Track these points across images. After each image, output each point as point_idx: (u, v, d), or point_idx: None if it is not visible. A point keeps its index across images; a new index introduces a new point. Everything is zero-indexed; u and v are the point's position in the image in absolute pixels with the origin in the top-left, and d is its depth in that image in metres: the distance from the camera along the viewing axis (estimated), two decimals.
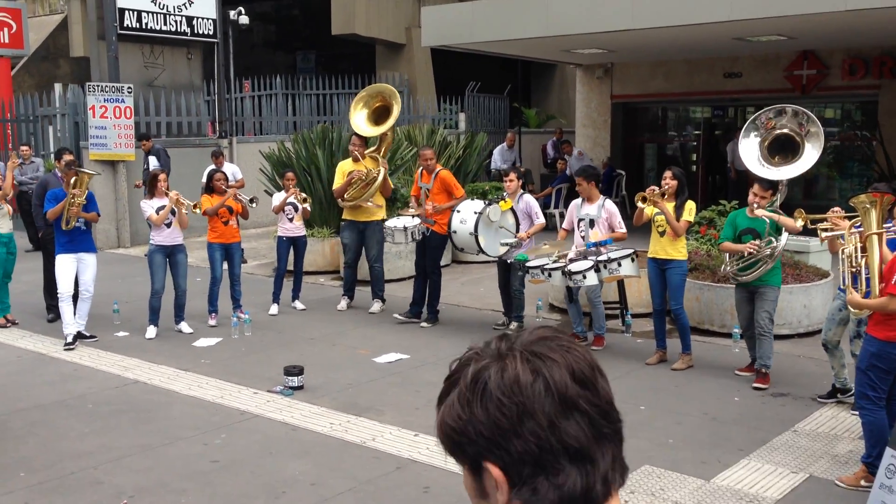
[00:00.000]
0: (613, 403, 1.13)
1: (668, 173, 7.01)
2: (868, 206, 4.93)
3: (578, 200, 7.68)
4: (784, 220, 6.33)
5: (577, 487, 1.07)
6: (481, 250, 7.95)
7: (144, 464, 5.16)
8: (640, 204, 6.97)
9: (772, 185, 6.55)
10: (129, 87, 13.49)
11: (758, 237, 6.40)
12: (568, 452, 1.07)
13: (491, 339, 1.16)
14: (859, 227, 5.15)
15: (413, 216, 8.56)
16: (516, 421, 1.06)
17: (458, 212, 8.08)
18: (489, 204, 7.95)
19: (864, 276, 4.88)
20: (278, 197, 9.10)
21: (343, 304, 9.23)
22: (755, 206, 6.42)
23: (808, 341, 7.66)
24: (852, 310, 5.10)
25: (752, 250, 6.37)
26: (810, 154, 6.77)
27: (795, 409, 6.03)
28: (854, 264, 4.93)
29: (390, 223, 8.57)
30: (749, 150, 6.96)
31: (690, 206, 6.91)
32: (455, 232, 8.04)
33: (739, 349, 7.30)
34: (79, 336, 7.86)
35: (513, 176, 8.14)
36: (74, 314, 7.83)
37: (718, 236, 8.60)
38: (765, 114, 7.00)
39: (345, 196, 8.88)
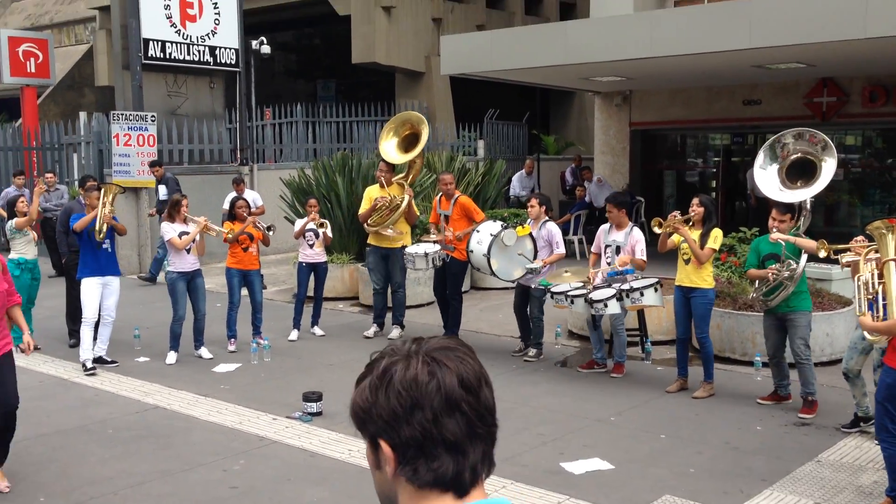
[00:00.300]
0: (492, 410, 1.35)
1: (695, 200, 6.96)
2: (884, 231, 4.91)
3: (606, 226, 7.68)
4: (801, 241, 6.31)
5: (448, 472, 1.31)
6: (493, 273, 7.97)
7: (164, 490, 5.17)
8: (656, 229, 6.96)
9: (789, 209, 6.51)
10: (153, 116, 13.69)
11: (779, 261, 6.39)
12: (445, 443, 1.30)
13: (406, 340, 1.39)
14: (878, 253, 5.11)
15: (434, 242, 8.60)
16: (409, 411, 1.30)
17: (478, 232, 8.14)
18: (505, 227, 7.98)
19: (881, 302, 4.83)
20: (299, 223, 9.17)
21: (372, 331, 9.24)
22: (774, 230, 6.41)
23: (830, 370, 7.57)
24: (867, 335, 5.05)
25: (772, 275, 6.36)
26: (828, 168, 6.73)
27: (818, 439, 5.96)
28: (870, 291, 4.89)
29: (410, 249, 8.60)
30: (768, 180, 6.93)
31: (716, 234, 6.85)
32: (472, 252, 8.10)
33: (761, 377, 7.23)
34: (100, 361, 7.92)
35: (534, 202, 8.16)
36: (95, 339, 7.90)
37: (739, 263, 8.58)
38: (777, 144, 6.96)
39: (369, 221, 8.95)
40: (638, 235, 7.49)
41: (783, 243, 6.35)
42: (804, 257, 6.35)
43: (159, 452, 5.81)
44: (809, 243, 6.23)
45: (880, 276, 4.97)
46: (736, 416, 6.47)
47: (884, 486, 4.86)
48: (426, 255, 8.40)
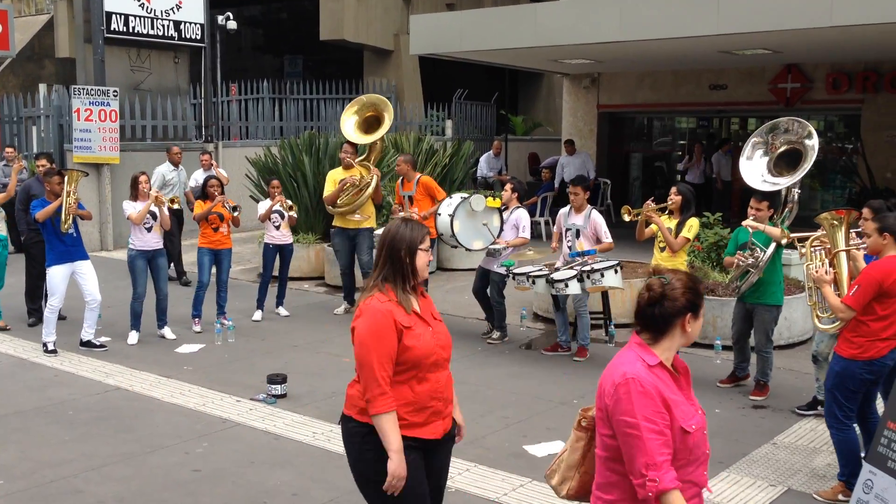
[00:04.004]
0: None
1: (673, 189, 7.07)
2: (835, 223, 5.03)
3: (566, 210, 7.74)
4: (771, 230, 6.37)
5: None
6: (454, 236, 7.99)
7: (125, 473, 5.13)
8: (626, 217, 7.02)
9: (766, 197, 6.55)
10: (115, 91, 13.45)
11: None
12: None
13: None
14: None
15: None
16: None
17: (450, 198, 8.28)
18: (475, 192, 8.08)
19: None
20: (264, 205, 9.09)
21: (342, 308, 9.33)
22: (751, 218, 6.46)
23: (787, 353, 7.72)
24: (819, 325, 5.18)
25: (739, 261, 6.43)
26: (810, 155, 6.76)
27: (775, 422, 6.08)
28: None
29: (379, 231, 8.63)
30: (753, 170, 6.88)
31: (692, 223, 6.97)
32: (439, 214, 8.16)
33: (721, 360, 7.35)
34: (89, 345, 7.79)
35: (508, 187, 8.21)
36: (84, 324, 7.79)
37: (702, 248, 8.68)
38: (765, 135, 6.95)
39: (336, 203, 8.92)
40: (598, 219, 7.58)
41: (750, 231, 6.40)
42: (772, 246, 6.39)
43: (120, 435, 5.76)
44: (774, 230, 6.31)
45: (831, 264, 5.10)
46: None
47: (837, 468, 4.98)
48: None
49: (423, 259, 3.19)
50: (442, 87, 19.56)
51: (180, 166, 11.09)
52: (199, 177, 11.04)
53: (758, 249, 6.41)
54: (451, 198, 8.31)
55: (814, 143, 6.69)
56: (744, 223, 6.48)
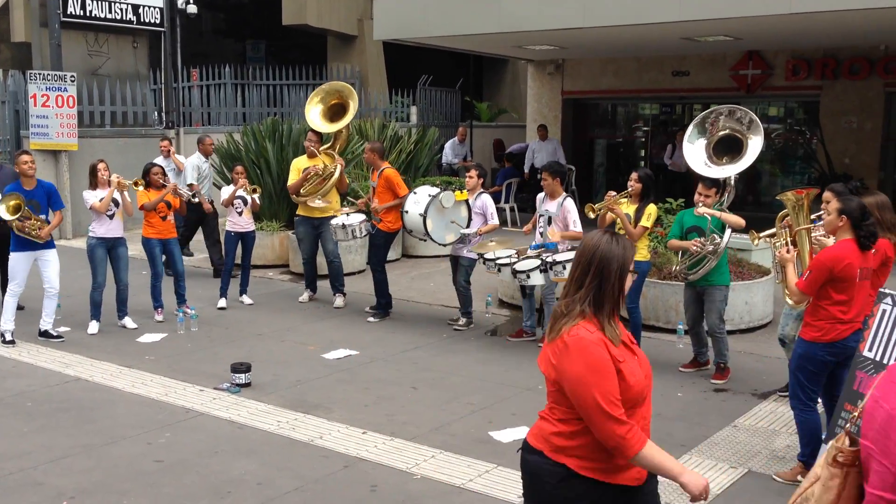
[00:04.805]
0: None
1: (634, 175, 7.01)
2: (795, 202, 5.13)
3: (542, 195, 7.72)
4: (727, 217, 6.46)
5: None
6: (427, 233, 7.98)
7: (86, 464, 5.06)
8: (590, 215, 7.05)
9: (715, 184, 6.65)
10: (73, 76, 13.18)
11: (703, 235, 6.53)
12: None
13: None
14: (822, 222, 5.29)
15: (357, 210, 8.71)
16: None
17: (415, 193, 8.20)
18: (444, 189, 8.04)
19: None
20: (227, 190, 8.99)
21: (305, 296, 9.30)
22: (700, 204, 6.54)
23: (749, 337, 7.84)
24: (788, 301, 5.26)
25: (695, 248, 6.49)
26: (754, 146, 6.88)
27: (736, 405, 6.17)
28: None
29: (333, 221, 8.65)
30: (695, 154, 7.05)
31: (650, 210, 6.92)
32: (407, 212, 8.12)
33: (683, 345, 7.44)
34: (46, 335, 7.65)
35: (473, 173, 8.17)
36: (42, 313, 7.66)
37: (664, 234, 8.76)
38: (707, 119, 7.08)
39: (300, 191, 8.86)
40: (569, 206, 7.54)
41: (708, 217, 6.48)
42: (728, 232, 6.49)
43: (81, 426, 5.67)
44: (735, 220, 6.39)
45: (793, 243, 5.19)
46: (659, 383, 6.57)
47: (796, 449, 5.07)
48: (344, 226, 8.49)
49: (629, 282, 2.76)
50: (406, 73, 19.45)
51: (211, 157, 10.94)
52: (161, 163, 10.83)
53: (716, 237, 6.48)
54: (415, 193, 8.19)
55: (757, 141, 6.82)
56: (697, 210, 6.53)
